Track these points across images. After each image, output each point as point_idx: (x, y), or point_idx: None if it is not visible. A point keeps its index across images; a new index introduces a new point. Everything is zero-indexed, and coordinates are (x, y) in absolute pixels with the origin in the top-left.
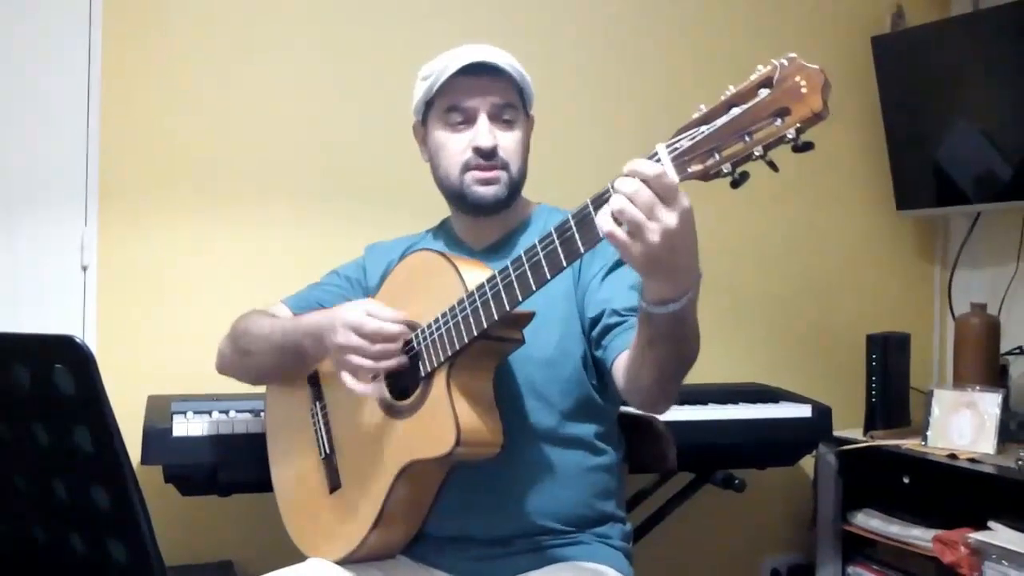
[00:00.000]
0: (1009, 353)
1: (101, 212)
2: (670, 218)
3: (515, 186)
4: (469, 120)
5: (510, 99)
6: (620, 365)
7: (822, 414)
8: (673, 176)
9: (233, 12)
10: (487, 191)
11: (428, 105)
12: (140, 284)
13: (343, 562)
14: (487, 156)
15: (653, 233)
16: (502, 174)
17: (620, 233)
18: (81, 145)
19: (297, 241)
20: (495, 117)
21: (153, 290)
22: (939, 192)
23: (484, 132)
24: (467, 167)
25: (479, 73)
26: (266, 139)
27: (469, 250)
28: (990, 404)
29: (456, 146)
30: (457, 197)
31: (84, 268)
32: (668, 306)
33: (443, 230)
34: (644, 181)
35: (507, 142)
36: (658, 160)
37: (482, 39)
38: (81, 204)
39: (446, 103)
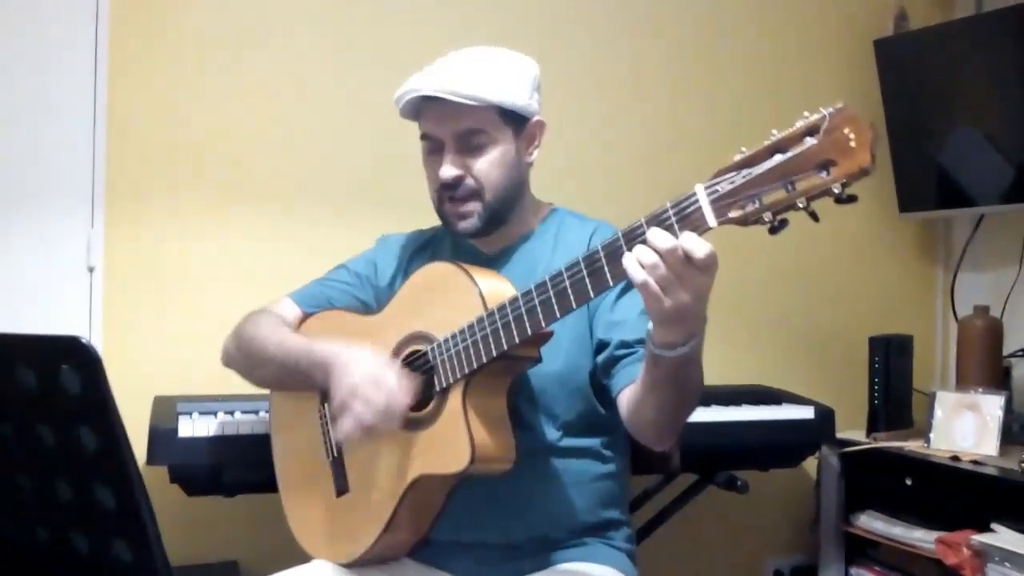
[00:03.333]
0: (1012, 355)
1: (107, 213)
2: (703, 281)
3: (493, 210)
4: (438, 148)
5: (475, 124)
6: (624, 399)
7: (825, 416)
8: (708, 252)
9: (239, 13)
10: (463, 225)
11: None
12: (146, 285)
13: (348, 564)
14: (451, 188)
15: (684, 294)
16: (475, 206)
17: (653, 286)
18: (87, 146)
19: (304, 240)
20: (462, 143)
21: (159, 291)
22: (942, 194)
23: (446, 165)
24: (441, 199)
25: (443, 99)
26: (272, 140)
27: (480, 255)
28: (993, 406)
29: (431, 174)
30: (441, 221)
31: (90, 269)
32: (676, 350)
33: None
34: (687, 255)
35: (478, 167)
36: (696, 201)
37: (489, 39)
38: (87, 205)
39: (421, 129)
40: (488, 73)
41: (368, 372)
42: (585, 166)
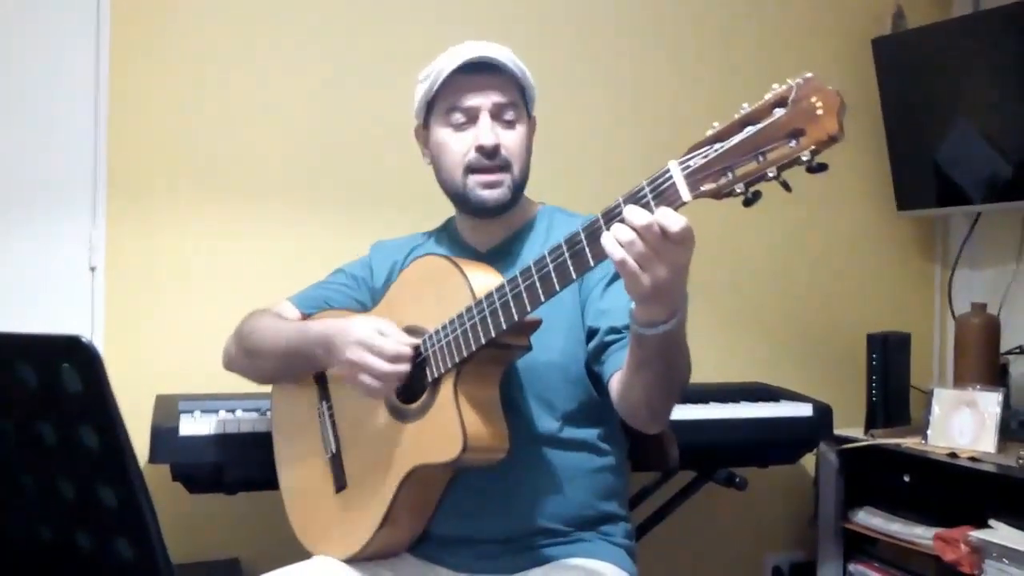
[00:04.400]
0: (1009, 352)
1: (109, 213)
2: (680, 255)
3: (518, 187)
4: (471, 119)
5: (512, 97)
6: (614, 383)
7: (823, 413)
8: (683, 225)
9: (239, 13)
10: (490, 195)
11: (429, 107)
12: (148, 284)
13: (349, 560)
14: (490, 155)
15: (662, 268)
16: (505, 176)
17: (631, 263)
18: (89, 146)
19: (304, 241)
20: (497, 116)
21: (160, 290)
22: (939, 192)
23: (486, 130)
24: (470, 169)
25: (480, 71)
26: (273, 140)
27: (474, 252)
28: (990, 403)
29: (458, 146)
30: (460, 199)
31: (92, 268)
32: (658, 327)
33: (448, 231)
34: (663, 230)
35: (510, 141)
36: (670, 177)
37: (488, 38)
38: (89, 205)
39: (447, 103)
40: (513, 54)
41: (368, 327)
42: (583, 166)
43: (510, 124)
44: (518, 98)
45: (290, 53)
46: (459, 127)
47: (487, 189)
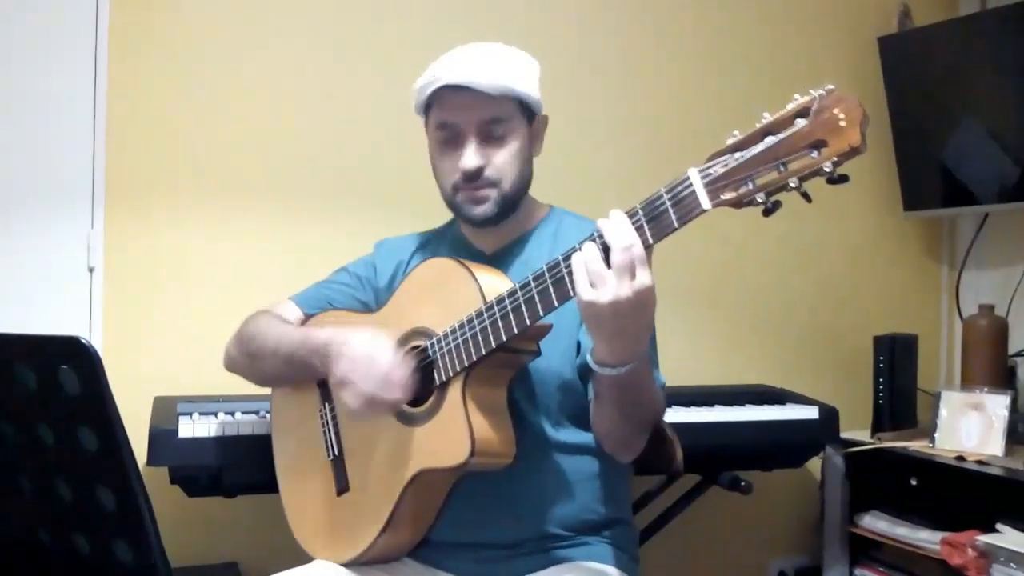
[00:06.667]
0: (1017, 355)
1: (107, 213)
2: (624, 288)
3: (507, 200)
4: (457, 137)
5: (499, 112)
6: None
7: (829, 416)
8: (639, 250)
9: (239, 13)
10: (477, 210)
11: (427, 112)
12: (146, 285)
13: (349, 564)
14: (472, 179)
15: (604, 294)
16: (491, 192)
17: (582, 276)
18: (87, 146)
19: (304, 241)
20: (484, 133)
21: (159, 291)
22: (946, 193)
23: (468, 155)
24: (456, 188)
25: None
26: (272, 140)
27: (479, 253)
28: (998, 406)
29: (446, 166)
30: (454, 211)
31: (90, 269)
32: (604, 370)
33: (453, 231)
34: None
35: (497, 159)
36: (689, 185)
37: (489, 38)
38: (87, 205)
39: (436, 118)
40: (509, 65)
41: (365, 345)
42: (588, 167)
43: (500, 140)
44: (510, 109)
45: (290, 53)
46: (446, 143)
47: (474, 205)
